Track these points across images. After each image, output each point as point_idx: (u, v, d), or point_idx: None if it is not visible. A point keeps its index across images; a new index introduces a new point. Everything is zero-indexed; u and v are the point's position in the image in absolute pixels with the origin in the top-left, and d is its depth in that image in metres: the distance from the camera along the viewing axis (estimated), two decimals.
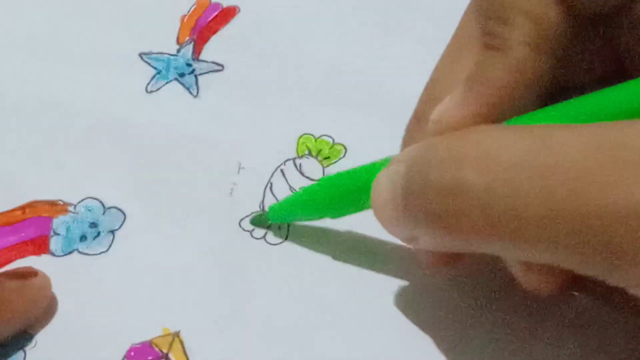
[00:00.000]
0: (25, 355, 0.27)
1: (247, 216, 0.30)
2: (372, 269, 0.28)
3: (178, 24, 0.35)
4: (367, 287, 0.28)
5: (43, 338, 0.27)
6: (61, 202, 0.30)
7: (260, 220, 0.29)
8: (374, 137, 0.30)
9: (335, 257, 0.29)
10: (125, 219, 0.30)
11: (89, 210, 0.30)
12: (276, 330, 0.27)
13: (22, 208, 0.30)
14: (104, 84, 0.34)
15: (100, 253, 0.29)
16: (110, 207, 0.30)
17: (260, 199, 0.30)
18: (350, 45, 0.34)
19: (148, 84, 0.34)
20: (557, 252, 0.19)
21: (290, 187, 0.30)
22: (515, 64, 0.22)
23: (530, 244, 0.20)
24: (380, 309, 0.27)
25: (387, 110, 0.31)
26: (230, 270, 0.28)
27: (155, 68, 0.34)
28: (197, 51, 0.35)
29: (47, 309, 0.27)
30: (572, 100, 0.22)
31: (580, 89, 0.22)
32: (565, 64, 0.23)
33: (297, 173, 0.31)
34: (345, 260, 0.28)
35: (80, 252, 0.29)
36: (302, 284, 0.28)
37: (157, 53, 0.34)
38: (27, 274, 0.27)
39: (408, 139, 0.26)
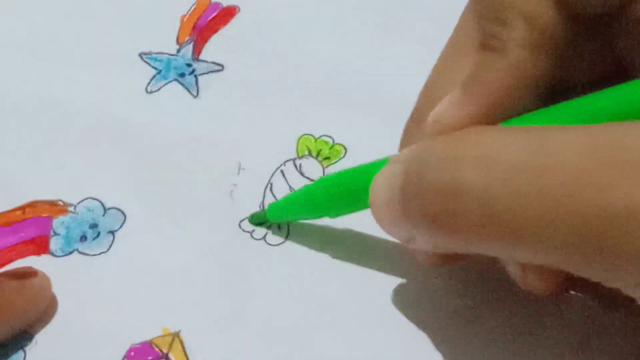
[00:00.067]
0: (25, 355, 0.27)
1: (247, 217, 0.30)
2: (372, 269, 0.28)
3: (178, 24, 0.35)
4: (367, 287, 0.28)
5: (43, 338, 0.27)
6: (61, 203, 0.30)
7: (258, 218, 0.29)
8: (374, 137, 0.30)
9: (335, 257, 0.29)
10: (125, 219, 0.30)
11: (90, 210, 0.30)
12: (276, 330, 0.27)
13: (22, 208, 0.30)
14: (104, 84, 0.34)
15: (100, 253, 0.29)
16: (110, 208, 0.30)
17: (261, 200, 0.30)
18: (350, 45, 0.34)
19: (148, 84, 0.34)
20: (555, 252, 0.19)
21: (290, 187, 0.30)
22: (514, 65, 0.22)
23: (529, 245, 0.20)
24: (380, 309, 0.27)
25: (387, 110, 0.31)
26: (230, 270, 0.28)
27: (155, 68, 0.34)
28: (197, 51, 0.35)
29: (47, 309, 0.28)
30: (571, 101, 0.22)
31: (579, 90, 0.22)
32: (564, 64, 0.23)
33: (297, 173, 0.31)
34: (345, 261, 0.28)
35: (80, 253, 0.29)
36: (302, 284, 0.28)
37: (157, 53, 0.34)
38: (27, 274, 0.27)
39: (406, 140, 0.26)
